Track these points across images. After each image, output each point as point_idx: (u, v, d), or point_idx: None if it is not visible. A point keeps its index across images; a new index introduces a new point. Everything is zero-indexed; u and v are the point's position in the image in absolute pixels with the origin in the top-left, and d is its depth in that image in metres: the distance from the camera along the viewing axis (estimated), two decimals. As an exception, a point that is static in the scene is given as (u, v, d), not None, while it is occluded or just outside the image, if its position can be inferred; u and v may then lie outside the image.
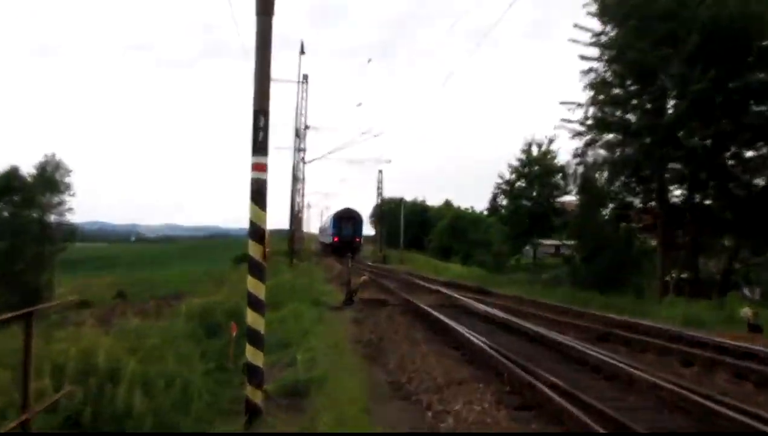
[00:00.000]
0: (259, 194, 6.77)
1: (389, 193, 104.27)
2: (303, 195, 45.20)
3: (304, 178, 43.07)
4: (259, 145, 6.83)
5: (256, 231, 6.80)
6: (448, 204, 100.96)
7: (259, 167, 6.84)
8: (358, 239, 59.04)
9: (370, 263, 48.69)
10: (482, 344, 10.62)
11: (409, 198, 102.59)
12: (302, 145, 39.46)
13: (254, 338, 6.78)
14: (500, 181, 51.07)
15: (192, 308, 12.05)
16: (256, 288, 6.78)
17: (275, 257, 34.62)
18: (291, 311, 13.66)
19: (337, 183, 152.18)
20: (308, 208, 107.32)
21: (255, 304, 6.77)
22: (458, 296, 20.25)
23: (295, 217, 39.16)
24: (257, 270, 6.82)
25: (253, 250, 6.83)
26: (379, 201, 69.78)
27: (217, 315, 11.30)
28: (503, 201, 51.93)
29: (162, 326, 9.92)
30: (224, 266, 42.58)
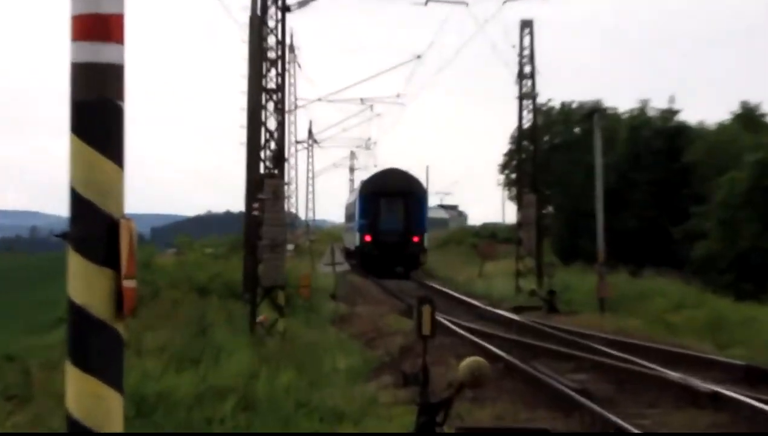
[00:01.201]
0: (96, 112, 4.13)
1: (550, 95, 52.45)
2: (286, 111, 23.09)
3: (288, 56, 21.66)
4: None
5: (92, 226, 4.19)
6: (747, 118, 46.11)
7: (94, 27, 4.04)
8: (415, 239, 41.31)
9: (512, 316, 26.95)
10: None
11: (616, 105, 52.60)
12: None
13: None
14: None
15: None
16: (90, 407, 4.07)
17: (221, 299, 21.15)
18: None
19: (398, 79, 75.84)
20: (309, 147, 63.15)
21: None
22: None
23: (264, 175, 19.89)
24: (96, 348, 4.18)
25: (82, 285, 4.13)
26: (529, 122, 37.01)
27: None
28: None
29: None
30: (41, 336, 19.91)
